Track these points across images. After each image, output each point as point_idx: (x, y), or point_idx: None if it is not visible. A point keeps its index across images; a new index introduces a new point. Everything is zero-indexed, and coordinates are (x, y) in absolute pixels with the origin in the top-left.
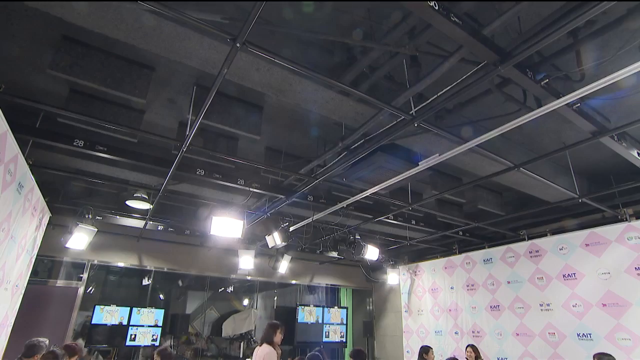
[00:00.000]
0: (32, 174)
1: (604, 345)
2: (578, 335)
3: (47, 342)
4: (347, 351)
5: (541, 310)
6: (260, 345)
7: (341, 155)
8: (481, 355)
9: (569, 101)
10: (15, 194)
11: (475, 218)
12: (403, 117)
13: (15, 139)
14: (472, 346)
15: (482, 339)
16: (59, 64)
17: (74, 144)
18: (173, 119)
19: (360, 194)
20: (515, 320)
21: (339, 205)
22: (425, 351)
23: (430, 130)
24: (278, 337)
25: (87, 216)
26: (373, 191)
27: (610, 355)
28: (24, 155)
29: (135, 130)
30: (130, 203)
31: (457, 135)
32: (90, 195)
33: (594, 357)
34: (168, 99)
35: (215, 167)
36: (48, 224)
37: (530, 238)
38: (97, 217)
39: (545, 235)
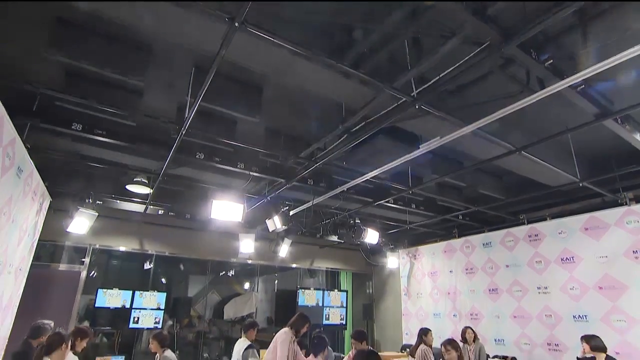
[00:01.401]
0: (31, 158)
1: (598, 327)
2: (574, 317)
3: (52, 324)
4: (347, 333)
5: (539, 293)
6: (290, 328)
7: (341, 139)
8: (478, 337)
9: (572, 82)
10: (15, 178)
11: (475, 202)
12: (404, 99)
13: (13, 123)
14: (470, 328)
15: (480, 321)
16: (54, 46)
17: (72, 127)
18: (171, 102)
19: (361, 178)
20: (513, 303)
21: (339, 189)
22: (424, 333)
23: (431, 112)
24: (304, 330)
25: (87, 201)
26: (373, 175)
27: (598, 337)
28: (22, 140)
29: (133, 113)
30: (130, 187)
31: (459, 118)
32: (91, 180)
33: (581, 338)
34: (166, 81)
35: (215, 150)
36: (49, 208)
37: (530, 222)
38: (97, 202)
39: (545, 219)
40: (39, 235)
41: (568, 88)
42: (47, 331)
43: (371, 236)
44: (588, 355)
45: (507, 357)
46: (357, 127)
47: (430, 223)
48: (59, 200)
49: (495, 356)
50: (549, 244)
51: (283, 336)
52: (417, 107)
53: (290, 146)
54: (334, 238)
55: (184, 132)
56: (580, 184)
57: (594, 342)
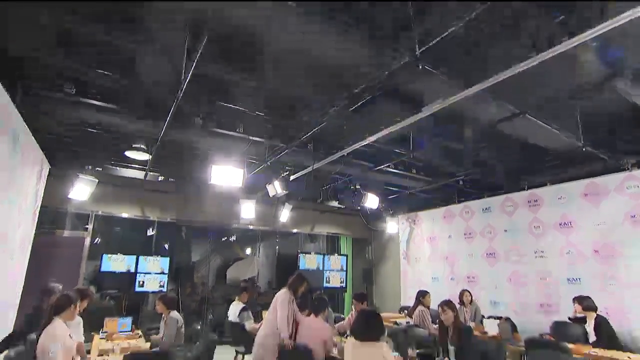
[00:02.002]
0: (27, 125)
1: (591, 289)
2: (568, 280)
3: (60, 287)
4: (347, 296)
5: (535, 257)
6: (288, 289)
7: (342, 102)
8: (475, 299)
9: (584, 40)
10: (10, 145)
11: (476, 167)
12: (407, 58)
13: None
14: (467, 291)
15: (477, 284)
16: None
17: (65, 90)
18: (167, 64)
19: (361, 142)
20: (510, 266)
21: (340, 154)
22: (422, 295)
23: (434, 73)
24: (302, 290)
25: (87, 167)
26: (374, 139)
27: (589, 298)
28: (14, 105)
29: (128, 76)
30: (129, 154)
31: (463, 80)
32: (90, 146)
33: (573, 299)
34: (161, 43)
35: (214, 115)
36: (49, 175)
37: (529, 188)
38: (97, 169)
39: (545, 185)
40: (40, 203)
41: (578, 46)
42: (56, 294)
43: (371, 201)
44: (579, 315)
45: (501, 317)
46: (358, 90)
47: (430, 189)
48: (58, 168)
49: (490, 317)
50: (548, 209)
51: (282, 297)
52: (420, 67)
53: (290, 110)
54: (335, 203)
55: (180, 96)
56: (584, 149)
57: (585, 303)
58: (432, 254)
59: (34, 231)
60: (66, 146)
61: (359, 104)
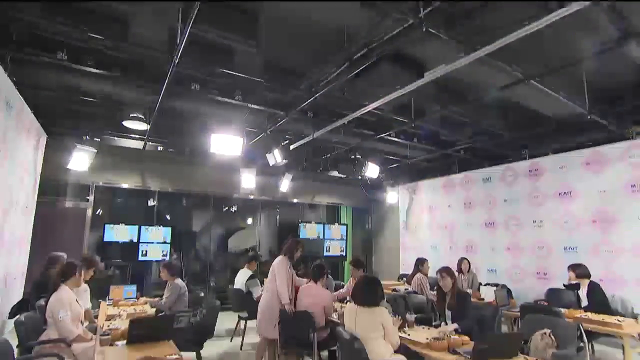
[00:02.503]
0: (21, 94)
1: (587, 257)
2: (565, 248)
3: (65, 256)
4: (347, 264)
5: (533, 226)
6: (284, 255)
7: (343, 67)
8: (472, 267)
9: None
10: (5, 113)
11: (477, 137)
12: (411, 21)
13: None
14: (466, 259)
15: (475, 253)
16: None
17: (58, 56)
18: (162, 28)
19: (362, 109)
20: (508, 235)
21: (340, 122)
22: (420, 262)
23: (438, 37)
24: (298, 254)
25: (85, 137)
26: (376, 106)
27: (583, 265)
28: (5, 72)
29: (122, 41)
30: (126, 123)
31: (467, 44)
32: (86, 116)
33: (568, 267)
34: (155, 6)
35: (211, 82)
36: (47, 146)
37: (531, 157)
38: (95, 139)
39: (547, 154)
40: (40, 173)
41: (590, 6)
42: (61, 262)
43: (372, 170)
44: (573, 282)
45: (498, 284)
46: (359, 54)
47: (431, 158)
48: (56, 138)
49: (487, 284)
50: (548, 179)
51: (279, 264)
52: (424, 29)
53: (290, 77)
54: (335, 173)
55: (176, 62)
56: (589, 117)
57: (579, 270)
58: (432, 224)
59: (35, 201)
60: (62, 116)
61: (360, 68)
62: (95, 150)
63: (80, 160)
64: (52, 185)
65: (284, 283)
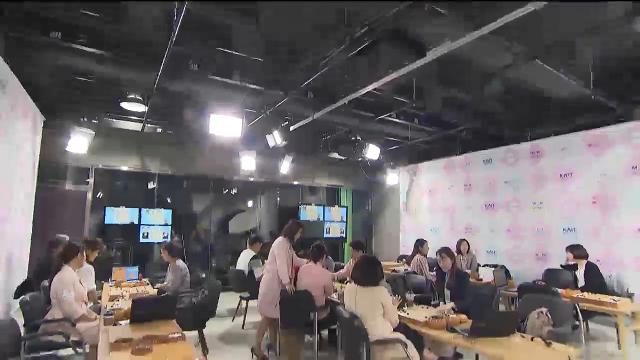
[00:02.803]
0: (16, 74)
1: (585, 238)
2: (564, 229)
3: (67, 238)
4: (347, 246)
5: (533, 208)
6: (284, 237)
7: (343, 46)
8: (471, 248)
9: None
10: None
11: (479, 118)
12: None
13: None
14: (465, 240)
15: (475, 234)
16: None
17: (52, 36)
18: (158, 6)
19: (363, 89)
20: (508, 217)
21: (340, 102)
22: (420, 244)
23: (441, 15)
24: (298, 236)
25: (82, 119)
26: (377, 86)
27: (581, 246)
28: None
29: (117, 19)
30: (124, 105)
31: (470, 21)
32: (83, 97)
33: (566, 249)
34: None
35: (210, 62)
36: (45, 128)
37: (533, 138)
38: (93, 121)
39: (549, 135)
40: (39, 155)
41: None
42: (63, 243)
43: (372, 151)
44: (571, 262)
45: (496, 265)
46: (361, 32)
47: (432, 139)
48: (53, 120)
49: (486, 265)
50: (549, 160)
51: (280, 245)
52: (426, 8)
53: (289, 56)
54: (335, 155)
55: (173, 40)
56: (593, 97)
57: (577, 251)
58: (432, 206)
59: (35, 184)
60: (59, 98)
61: (361, 47)
62: (94, 133)
63: (78, 142)
64: (51, 168)
65: (284, 263)
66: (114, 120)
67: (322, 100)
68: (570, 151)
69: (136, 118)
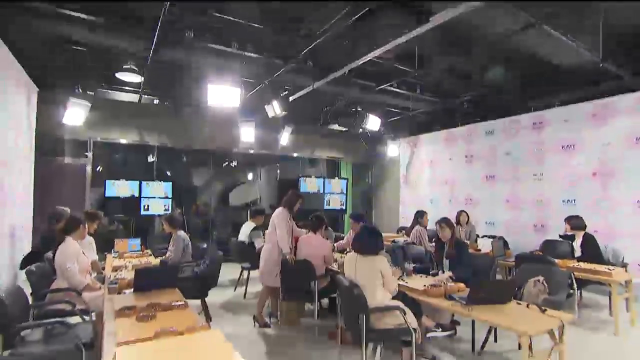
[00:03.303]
0: (5, 43)
1: (584, 210)
2: (563, 201)
3: (68, 211)
4: (347, 217)
5: (534, 179)
6: (284, 207)
7: (344, 11)
8: (470, 220)
9: None
10: None
11: (482, 88)
12: None
13: None
14: (465, 212)
15: (475, 206)
16: None
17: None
18: None
19: (364, 57)
20: (508, 189)
21: (341, 71)
22: (420, 215)
23: None
24: (297, 207)
25: (77, 90)
26: (378, 53)
27: (580, 217)
28: None
29: None
30: (120, 75)
31: None
32: (78, 68)
33: (565, 220)
34: None
35: (206, 30)
36: (40, 100)
37: (536, 109)
38: (88, 92)
39: (553, 106)
40: (35, 127)
41: None
42: (64, 216)
43: (373, 122)
44: (569, 233)
45: (495, 236)
46: None
47: (433, 110)
48: (48, 92)
49: (485, 236)
50: (552, 132)
51: (279, 216)
52: None
53: (289, 23)
54: (336, 126)
55: (167, 4)
56: (601, 65)
57: (575, 222)
58: (432, 177)
59: (33, 156)
60: (52, 68)
61: (362, 12)
62: (90, 104)
63: (75, 114)
64: (49, 142)
65: (284, 234)
66: (110, 91)
67: (322, 70)
68: (574, 122)
69: (132, 89)
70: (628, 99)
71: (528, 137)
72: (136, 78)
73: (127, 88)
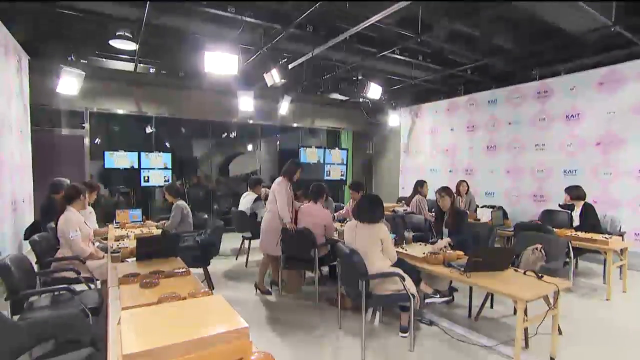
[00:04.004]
0: None
1: (585, 180)
2: (564, 171)
3: (68, 181)
4: (347, 188)
5: (536, 149)
6: (283, 177)
7: None
8: (470, 190)
9: None
10: None
11: (486, 55)
12: None
13: None
14: (465, 181)
15: (474, 176)
16: None
17: None
18: None
19: (365, 22)
20: (509, 158)
21: (342, 37)
22: (420, 184)
23: None
24: (297, 176)
25: (70, 58)
26: (381, 17)
27: (580, 187)
28: None
29: None
30: (113, 43)
31: None
32: (70, 35)
33: (565, 190)
34: None
35: None
36: (32, 70)
37: (541, 78)
38: (82, 60)
39: (559, 74)
40: (28, 96)
41: None
42: (64, 186)
43: (374, 90)
44: (568, 203)
45: (494, 206)
46: None
47: (436, 79)
48: (40, 60)
49: (484, 206)
50: (557, 101)
51: (280, 185)
52: None
53: None
54: (336, 96)
55: None
56: (612, 29)
57: (574, 192)
58: (433, 147)
59: (29, 127)
60: (42, 35)
61: None
62: (84, 73)
63: (69, 83)
64: (45, 112)
65: (284, 203)
66: (104, 59)
67: (321, 36)
68: (580, 90)
69: (127, 57)
70: (636, 65)
71: (531, 106)
72: (131, 45)
73: (122, 56)
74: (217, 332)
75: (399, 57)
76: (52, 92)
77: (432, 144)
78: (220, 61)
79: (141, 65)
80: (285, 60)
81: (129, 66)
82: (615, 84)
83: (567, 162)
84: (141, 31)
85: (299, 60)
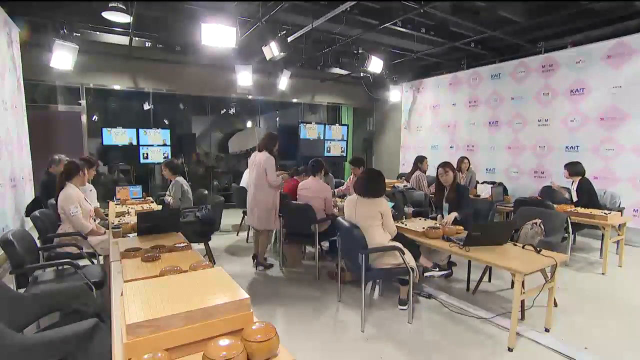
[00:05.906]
0: None
1: (587, 156)
2: (566, 147)
3: (65, 157)
4: (347, 164)
5: (538, 125)
6: (260, 152)
7: None
8: (471, 166)
9: None
10: None
11: (491, 27)
12: None
13: None
14: (466, 158)
15: (476, 152)
16: None
17: None
18: None
19: None
20: (510, 134)
21: (342, 7)
22: (420, 160)
23: None
24: (276, 148)
25: (62, 31)
26: None
27: (579, 164)
28: None
29: None
30: (106, 15)
31: None
32: (61, 6)
33: (565, 166)
34: None
35: None
36: (25, 44)
37: (547, 51)
38: (75, 34)
39: (566, 47)
40: (21, 70)
41: None
42: (62, 162)
43: (375, 64)
44: (567, 179)
45: (495, 182)
46: None
47: (438, 52)
48: (32, 33)
49: (484, 182)
50: (561, 75)
51: (268, 160)
52: None
53: None
54: (336, 70)
55: None
56: None
57: (574, 168)
58: (434, 123)
59: (23, 102)
60: (32, 5)
61: None
62: (77, 47)
63: (62, 58)
64: (41, 89)
65: (274, 174)
66: (97, 32)
67: (322, 7)
68: (586, 64)
69: (121, 29)
70: None
71: (535, 81)
72: (124, 18)
73: (116, 29)
74: (219, 303)
75: (401, 29)
76: (47, 68)
77: (434, 120)
78: (217, 33)
79: (136, 39)
80: (285, 32)
81: (124, 40)
82: (623, 57)
83: (569, 138)
84: (134, 3)
85: (299, 33)
